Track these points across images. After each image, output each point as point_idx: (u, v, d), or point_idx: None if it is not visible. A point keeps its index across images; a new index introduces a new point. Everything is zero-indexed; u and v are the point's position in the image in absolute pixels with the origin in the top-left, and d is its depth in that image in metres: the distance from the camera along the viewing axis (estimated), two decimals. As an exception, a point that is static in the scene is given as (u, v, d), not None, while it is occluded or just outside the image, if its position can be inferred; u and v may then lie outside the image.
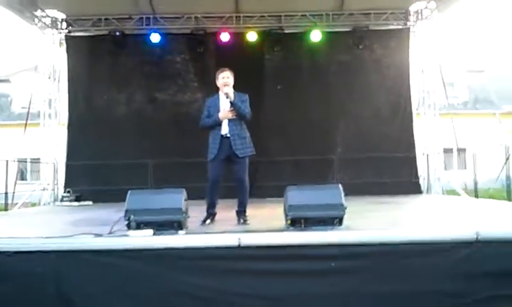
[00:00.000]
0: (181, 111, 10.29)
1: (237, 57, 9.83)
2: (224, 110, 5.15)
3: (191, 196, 4.67)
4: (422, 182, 10.49)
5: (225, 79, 5.19)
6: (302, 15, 10.59)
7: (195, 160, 7.73)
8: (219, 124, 5.14)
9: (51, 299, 3.67)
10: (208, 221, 5.17)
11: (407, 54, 10.77)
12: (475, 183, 8.96)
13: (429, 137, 10.67)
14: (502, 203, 7.47)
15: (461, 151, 14.17)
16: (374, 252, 3.72)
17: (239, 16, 10.58)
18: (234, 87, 5.30)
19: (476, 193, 8.95)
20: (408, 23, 10.86)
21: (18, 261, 3.69)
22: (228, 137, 5.12)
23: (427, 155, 10.51)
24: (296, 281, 3.69)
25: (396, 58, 10.71)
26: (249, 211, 5.37)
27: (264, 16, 10.59)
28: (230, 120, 5.13)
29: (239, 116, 5.16)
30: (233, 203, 5.35)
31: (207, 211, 5.24)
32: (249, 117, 5.24)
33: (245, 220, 5.19)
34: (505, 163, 8.15)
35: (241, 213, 5.26)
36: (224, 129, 5.14)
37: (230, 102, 5.12)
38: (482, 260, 3.67)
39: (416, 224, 5.33)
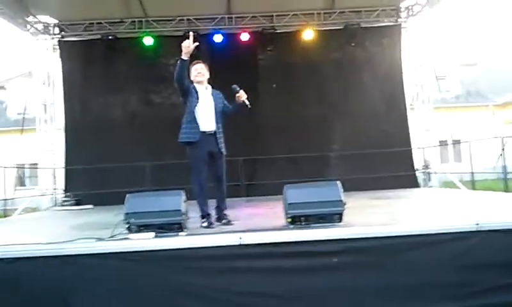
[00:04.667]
0: (176, 113, 10.13)
1: (230, 57, 9.87)
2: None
3: (189, 197, 4.66)
4: (419, 176, 10.56)
5: (198, 70, 5.03)
6: (293, 14, 10.65)
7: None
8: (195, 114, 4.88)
9: (54, 305, 3.66)
10: (206, 223, 4.87)
11: (399, 50, 10.84)
12: (472, 175, 9.01)
13: (423, 131, 10.76)
14: (499, 194, 7.51)
15: (456, 143, 14.28)
16: (376, 247, 3.74)
17: (231, 17, 10.63)
18: (216, 84, 5.19)
19: (473, 185, 9.01)
20: (399, 19, 10.94)
21: (20, 268, 3.67)
22: (214, 134, 4.96)
23: (423, 149, 10.58)
24: (298, 277, 3.71)
25: (388, 54, 10.78)
26: (249, 209, 5.37)
27: (255, 16, 10.64)
28: (217, 117, 4.97)
29: (224, 113, 5.06)
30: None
31: (206, 213, 4.92)
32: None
33: (229, 221, 5.02)
34: (501, 154, 8.22)
35: (222, 212, 5.09)
36: (211, 126, 4.95)
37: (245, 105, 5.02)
38: (483, 250, 3.70)
39: (416, 217, 5.36)
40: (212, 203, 5.08)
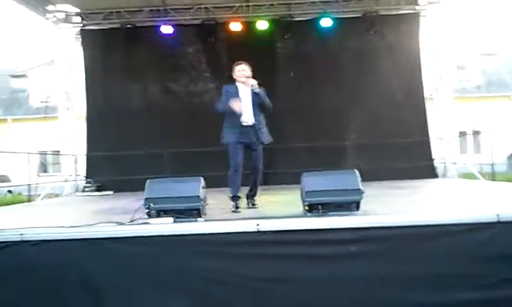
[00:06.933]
0: (194, 101, 10.42)
1: (248, 46, 9.85)
2: (240, 103, 5.20)
3: (207, 184, 4.73)
4: (438, 166, 10.44)
5: (242, 72, 5.28)
6: (311, 2, 10.55)
7: (210, 149, 7.84)
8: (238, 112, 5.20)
9: (75, 287, 3.73)
10: (234, 208, 5.27)
11: (418, 39, 10.67)
12: (493, 166, 8.86)
13: (443, 121, 10.59)
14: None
15: (476, 134, 14.02)
16: (393, 236, 3.71)
17: (249, 6, 10.56)
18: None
19: (493, 176, 8.87)
20: (418, 7, 10.72)
21: (42, 251, 3.76)
22: (253, 126, 5.24)
23: (442, 139, 10.44)
24: (314, 265, 3.72)
25: (407, 43, 10.62)
26: (266, 197, 5.46)
27: (273, 4, 10.57)
28: (254, 110, 5.25)
29: (262, 106, 5.29)
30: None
31: (235, 196, 5.31)
32: (271, 106, 5.38)
33: (254, 204, 5.49)
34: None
35: (251, 197, 5.53)
36: (249, 118, 5.24)
37: (255, 93, 5.21)
38: (503, 242, 3.65)
39: (434, 207, 5.31)
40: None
